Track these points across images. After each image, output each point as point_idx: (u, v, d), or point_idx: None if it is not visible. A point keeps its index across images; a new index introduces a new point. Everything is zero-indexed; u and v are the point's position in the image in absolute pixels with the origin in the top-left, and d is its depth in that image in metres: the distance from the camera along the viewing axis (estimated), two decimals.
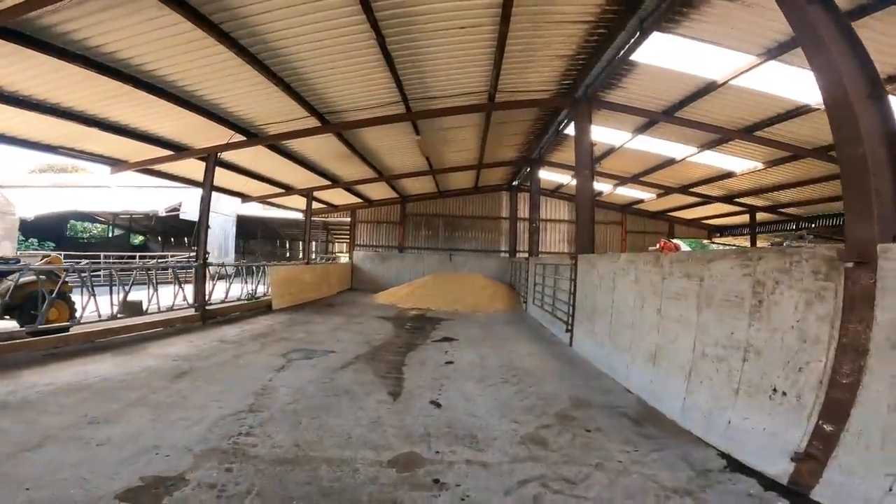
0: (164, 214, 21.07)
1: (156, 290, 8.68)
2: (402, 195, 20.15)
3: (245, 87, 8.19)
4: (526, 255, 19.30)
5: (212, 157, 10.40)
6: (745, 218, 18.40)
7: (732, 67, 7.66)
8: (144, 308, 8.46)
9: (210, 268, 13.72)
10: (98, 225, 34.07)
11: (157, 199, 21.41)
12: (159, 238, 34.60)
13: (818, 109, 8.47)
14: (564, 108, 10.65)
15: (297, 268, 14.24)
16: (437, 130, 12.06)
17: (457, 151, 14.17)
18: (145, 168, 11.44)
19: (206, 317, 9.74)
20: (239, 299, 11.69)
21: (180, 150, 10.76)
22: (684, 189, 15.96)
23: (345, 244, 26.30)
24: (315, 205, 20.38)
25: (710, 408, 4.03)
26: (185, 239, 23.70)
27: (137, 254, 23.55)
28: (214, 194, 21.66)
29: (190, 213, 21.11)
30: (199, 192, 20.61)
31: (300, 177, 15.18)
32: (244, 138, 10.33)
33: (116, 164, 11.32)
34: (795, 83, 7.81)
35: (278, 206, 20.07)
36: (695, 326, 4.28)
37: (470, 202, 20.66)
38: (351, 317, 11.60)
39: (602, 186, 17.61)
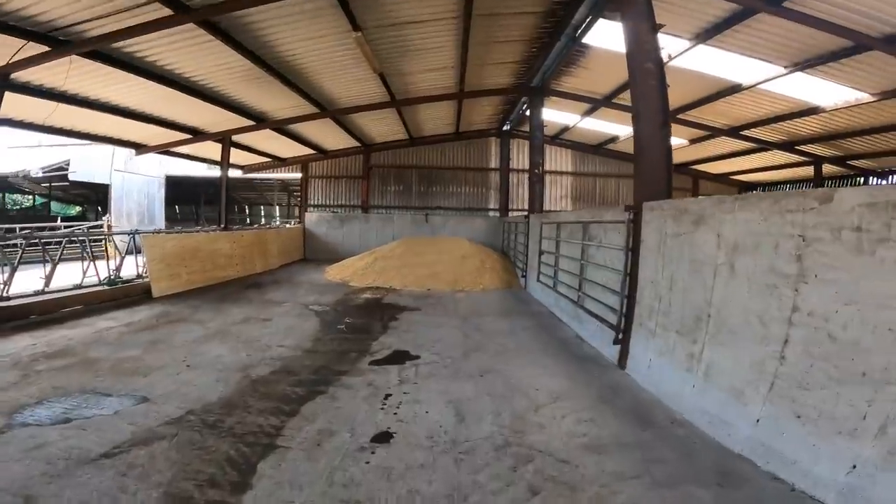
0: (40, 175, 16.54)
1: None
2: (364, 143, 15.89)
3: None
4: (522, 213, 15.38)
5: None
6: (799, 172, 14.56)
7: None
8: None
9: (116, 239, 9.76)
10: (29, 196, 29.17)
11: (33, 158, 16.81)
12: (98, 208, 29.73)
13: None
14: None
15: (198, 237, 10.10)
16: (390, 26, 7.83)
17: (427, 71, 9.89)
18: None
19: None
20: (76, 286, 7.58)
21: None
22: (734, 132, 11.98)
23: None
24: (256, 158, 16.20)
25: None
26: (99, 207, 19.32)
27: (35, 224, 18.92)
28: (121, 150, 17.21)
29: (82, 173, 16.59)
30: (93, 148, 16.35)
31: (210, 116, 10.96)
32: (45, 48, 6.16)
33: None
34: None
35: (192, 157, 15.65)
36: None
37: (450, 151, 16.45)
38: (265, 307, 7.63)
39: (618, 129, 13.57)
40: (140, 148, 12.87)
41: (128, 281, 8.33)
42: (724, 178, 17.54)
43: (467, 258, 11.41)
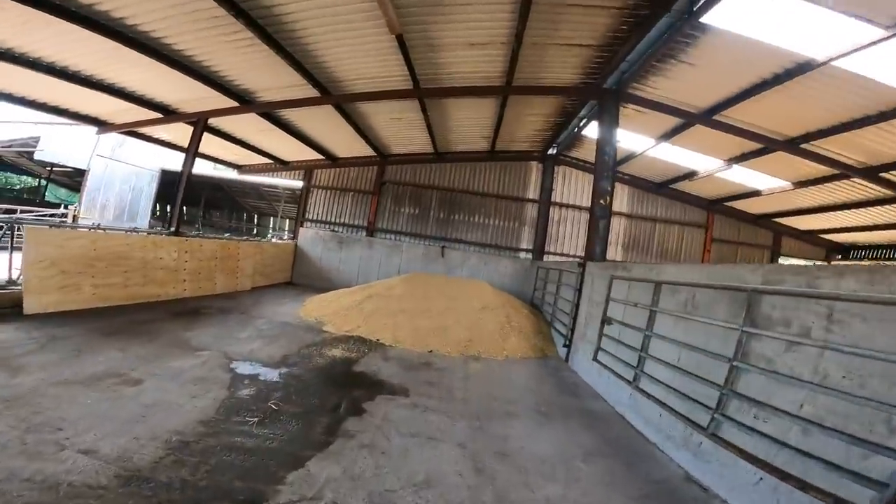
0: None
1: None
2: (380, 153, 13.36)
3: None
4: (565, 258, 12.46)
5: None
6: None
7: None
8: None
9: None
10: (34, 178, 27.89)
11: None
12: None
13: None
14: None
15: (130, 240, 7.35)
16: None
17: (467, 46, 7.18)
18: None
19: None
20: None
21: None
22: (872, 173, 8.83)
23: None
24: (255, 158, 13.86)
25: None
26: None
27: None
28: (111, 136, 15.13)
29: (52, 153, 14.51)
30: (69, 126, 14.37)
31: (183, 90, 8.85)
32: None
33: None
34: None
35: (164, 143, 13.26)
36: None
37: (481, 172, 13.72)
38: (162, 356, 4.78)
39: (703, 162, 10.64)
40: (103, 125, 10.71)
41: None
42: (810, 236, 14.27)
43: (489, 311, 8.45)
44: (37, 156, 14.38)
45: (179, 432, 3.20)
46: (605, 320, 5.51)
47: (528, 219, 13.51)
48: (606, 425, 4.49)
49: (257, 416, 3.63)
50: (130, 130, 11.06)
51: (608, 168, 7.54)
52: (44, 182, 27.45)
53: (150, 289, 7.59)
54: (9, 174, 29.98)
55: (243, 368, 4.72)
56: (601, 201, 7.38)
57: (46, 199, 25.81)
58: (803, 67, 5.93)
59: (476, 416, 4.28)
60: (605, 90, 7.86)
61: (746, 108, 7.37)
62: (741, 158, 9.64)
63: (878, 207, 10.71)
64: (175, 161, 18.45)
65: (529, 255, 13.27)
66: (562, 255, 13.16)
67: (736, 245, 13.81)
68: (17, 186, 30.01)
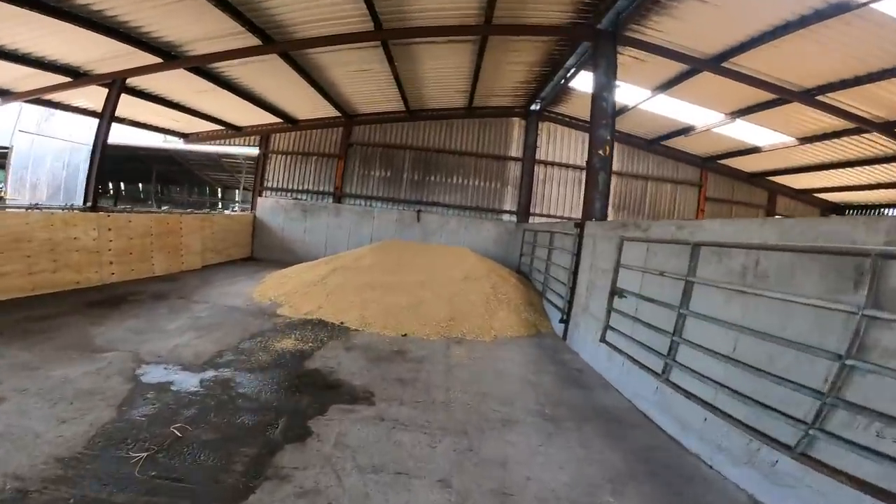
0: None
1: None
2: (346, 113, 11.92)
3: None
4: (554, 219, 11.39)
5: None
6: None
7: None
8: None
9: None
10: None
11: None
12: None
13: None
14: None
15: (30, 218, 5.91)
16: None
17: None
18: None
19: None
20: None
21: None
22: (888, 128, 7.91)
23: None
24: (203, 125, 12.28)
25: None
26: None
27: None
28: (33, 109, 13.12)
29: None
30: None
31: (94, 49, 7.55)
32: None
33: None
34: None
35: (88, 112, 11.48)
36: None
37: (458, 130, 12.39)
38: (48, 361, 3.59)
39: (702, 115, 9.62)
40: (4, 95, 9.19)
41: None
42: (805, 195, 13.60)
43: (472, 281, 7.41)
44: None
45: (19, 477, 2.12)
46: (616, 292, 4.51)
47: (512, 178, 12.35)
48: (630, 430, 3.53)
49: (148, 449, 2.52)
50: (38, 98, 9.57)
51: (606, 116, 6.38)
52: None
53: (65, 275, 6.29)
54: None
55: (153, 375, 3.58)
56: (600, 152, 6.27)
57: None
58: (839, 9, 4.93)
59: (463, 430, 3.26)
60: (599, 31, 6.61)
61: (761, 54, 6.34)
62: (746, 111, 8.62)
63: (885, 165, 9.98)
64: (116, 133, 16.56)
65: (514, 218, 12.19)
66: (549, 216, 12.13)
67: (731, 204, 13.02)
68: None
